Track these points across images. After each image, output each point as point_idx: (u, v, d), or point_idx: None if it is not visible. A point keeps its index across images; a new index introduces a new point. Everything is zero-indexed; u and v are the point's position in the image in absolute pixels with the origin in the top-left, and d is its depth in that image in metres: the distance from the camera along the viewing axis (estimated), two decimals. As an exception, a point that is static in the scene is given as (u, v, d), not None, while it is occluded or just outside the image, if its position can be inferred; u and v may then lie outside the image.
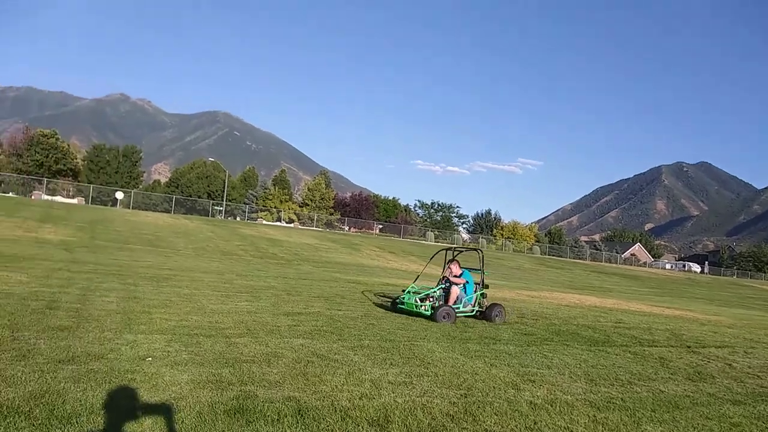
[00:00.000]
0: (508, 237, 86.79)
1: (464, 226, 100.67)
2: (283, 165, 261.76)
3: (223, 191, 74.83)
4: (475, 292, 10.98)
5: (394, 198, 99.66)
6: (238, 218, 74.92)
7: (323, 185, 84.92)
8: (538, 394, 5.44)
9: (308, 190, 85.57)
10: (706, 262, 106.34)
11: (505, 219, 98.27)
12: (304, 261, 29.81)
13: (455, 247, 13.44)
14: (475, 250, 12.87)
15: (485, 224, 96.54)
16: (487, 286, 11.39)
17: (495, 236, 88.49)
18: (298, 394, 4.58)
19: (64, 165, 72.50)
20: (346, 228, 76.86)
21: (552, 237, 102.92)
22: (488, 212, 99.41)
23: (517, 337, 9.02)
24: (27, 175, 65.97)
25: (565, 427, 4.48)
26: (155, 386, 4.42)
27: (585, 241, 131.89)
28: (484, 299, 11.13)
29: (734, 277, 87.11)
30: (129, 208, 56.74)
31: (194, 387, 4.47)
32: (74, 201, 60.34)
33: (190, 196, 75.44)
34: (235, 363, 5.40)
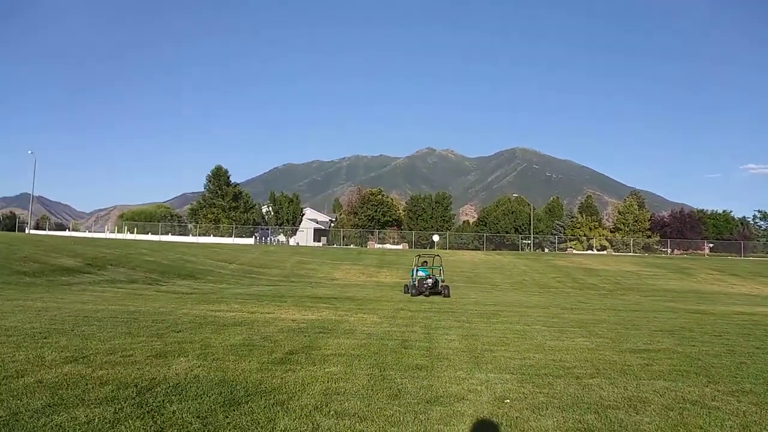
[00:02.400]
0: None
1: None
2: (587, 191, 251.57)
3: (530, 224, 75.14)
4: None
5: (725, 211, 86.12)
6: (546, 249, 74.08)
7: (635, 206, 78.41)
8: None
9: (618, 213, 80.00)
10: None
11: None
12: (628, 290, 27.49)
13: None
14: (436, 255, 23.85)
15: None
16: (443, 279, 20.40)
17: None
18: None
19: (390, 216, 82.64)
20: (669, 250, 69.02)
21: None
22: None
23: None
24: (362, 228, 77.04)
25: None
26: None
27: None
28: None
29: None
30: (446, 248, 61.21)
31: (562, 434, 4.20)
32: (400, 247, 67.87)
33: (498, 232, 77.77)
34: (598, 408, 4.96)
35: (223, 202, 71.00)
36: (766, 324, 12.32)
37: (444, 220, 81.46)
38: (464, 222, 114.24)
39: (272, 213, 76.93)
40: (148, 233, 67.53)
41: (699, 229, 75.33)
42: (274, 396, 5.06)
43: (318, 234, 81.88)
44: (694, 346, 8.87)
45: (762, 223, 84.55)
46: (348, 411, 4.70)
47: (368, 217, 79.75)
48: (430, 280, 19.12)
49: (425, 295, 18.47)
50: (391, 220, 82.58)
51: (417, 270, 20.36)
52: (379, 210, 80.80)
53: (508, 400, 5.16)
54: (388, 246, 70.20)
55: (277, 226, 74.70)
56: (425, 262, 21.96)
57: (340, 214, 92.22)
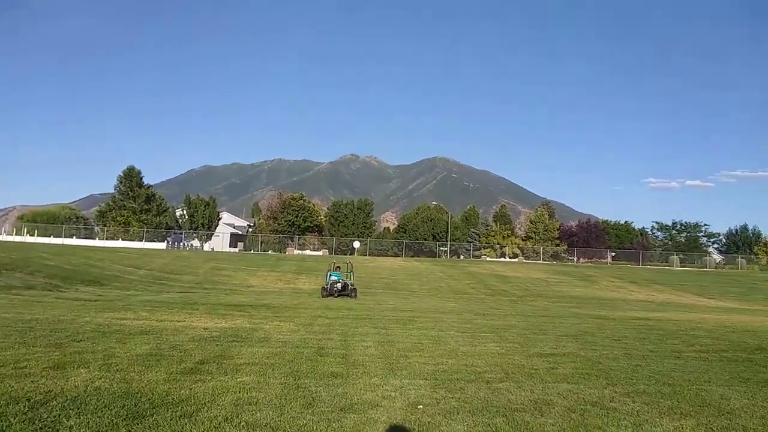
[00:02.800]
0: (775, 254, 73.54)
1: (715, 245, 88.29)
2: (502, 200, 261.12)
3: (447, 232, 76.96)
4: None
5: (626, 222, 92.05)
6: (462, 257, 76.13)
7: (546, 216, 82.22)
8: None
9: (530, 222, 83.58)
10: None
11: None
12: (537, 296, 28.75)
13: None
14: (347, 262, 26.90)
15: (742, 242, 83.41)
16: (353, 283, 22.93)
17: (757, 254, 75.79)
18: (585, 450, 4.12)
19: (311, 222, 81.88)
20: (575, 259, 72.90)
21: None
22: (744, 228, 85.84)
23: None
24: (282, 234, 75.87)
25: None
26: (432, 436, 4.37)
27: None
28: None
29: None
30: (365, 255, 61.49)
31: (471, 438, 4.32)
32: (320, 253, 67.46)
33: (417, 239, 79.05)
34: (505, 411, 5.14)
35: (135, 204, 67.62)
36: (660, 328, 13.27)
37: (365, 226, 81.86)
38: (385, 229, 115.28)
39: (186, 217, 74.20)
40: (50, 236, 63.11)
41: (603, 238, 79.95)
42: (182, 407, 4.86)
43: (235, 239, 79.78)
44: (595, 350, 9.40)
45: (659, 233, 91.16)
46: (260, 421, 4.60)
47: (288, 222, 78.70)
48: (339, 284, 21.85)
49: (334, 296, 21.29)
50: (312, 225, 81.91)
51: (330, 274, 22.91)
52: (300, 215, 79.93)
53: (421, 406, 5.24)
54: (308, 252, 69.57)
55: (191, 231, 72.14)
56: (338, 267, 24.50)
57: (259, 219, 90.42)
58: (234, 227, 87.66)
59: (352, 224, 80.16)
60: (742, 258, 72.83)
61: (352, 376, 6.49)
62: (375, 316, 14.01)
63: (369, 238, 74.96)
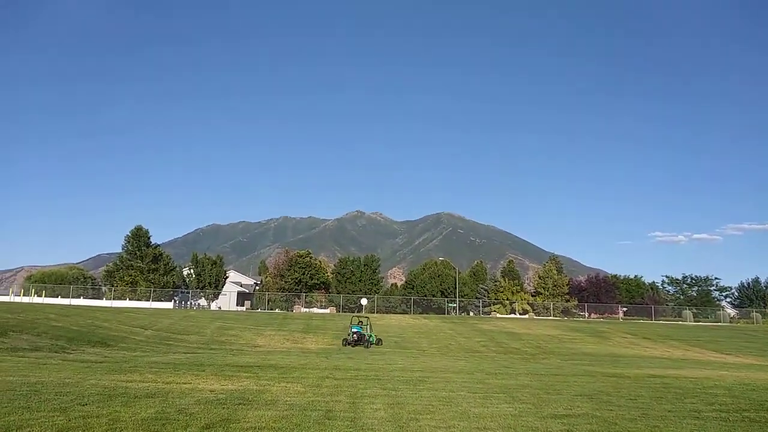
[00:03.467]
0: (790, 308, 72.19)
1: (728, 299, 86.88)
2: (509, 255, 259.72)
3: (455, 288, 76.33)
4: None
5: (636, 276, 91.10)
6: (471, 313, 75.22)
7: (554, 271, 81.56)
8: None
9: (539, 278, 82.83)
10: None
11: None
12: (550, 354, 28.18)
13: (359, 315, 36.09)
14: (366, 317, 32.34)
15: (755, 295, 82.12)
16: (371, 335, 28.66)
17: (771, 308, 74.46)
18: None
19: (318, 279, 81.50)
20: (586, 314, 71.79)
21: None
22: (756, 281, 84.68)
23: None
24: (289, 292, 75.47)
25: None
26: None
27: None
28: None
29: None
30: (374, 312, 60.86)
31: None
32: (327, 311, 66.84)
33: (425, 295, 78.38)
34: (521, 478, 4.97)
35: (142, 263, 67.79)
36: (677, 387, 12.92)
37: (372, 282, 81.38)
38: (392, 285, 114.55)
39: (194, 276, 74.13)
40: (58, 296, 63.08)
41: (613, 293, 78.95)
42: (188, 476, 4.73)
43: (242, 298, 79.37)
44: (611, 410, 9.15)
45: (670, 288, 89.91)
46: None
47: (295, 280, 78.39)
48: (355, 335, 27.55)
49: (351, 346, 26.98)
50: (318, 282, 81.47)
51: (352, 327, 28.41)
52: (306, 272, 79.66)
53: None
54: (315, 310, 68.97)
55: (198, 290, 71.93)
56: (360, 321, 30.13)
57: (266, 277, 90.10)
58: (241, 285, 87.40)
59: (359, 281, 79.75)
60: (756, 312, 71.50)
61: (361, 441, 6.32)
62: (384, 377, 13.75)
63: (377, 295, 74.39)
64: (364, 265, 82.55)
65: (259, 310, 66.90)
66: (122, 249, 70.64)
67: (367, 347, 26.49)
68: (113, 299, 61.81)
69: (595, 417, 8.41)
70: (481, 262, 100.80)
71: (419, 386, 11.82)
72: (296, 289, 76.79)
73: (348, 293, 74.74)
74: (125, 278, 66.89)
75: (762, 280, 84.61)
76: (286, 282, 78.30)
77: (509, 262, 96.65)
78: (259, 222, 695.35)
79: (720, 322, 65.67)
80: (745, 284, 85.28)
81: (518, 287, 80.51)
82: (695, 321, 65.78)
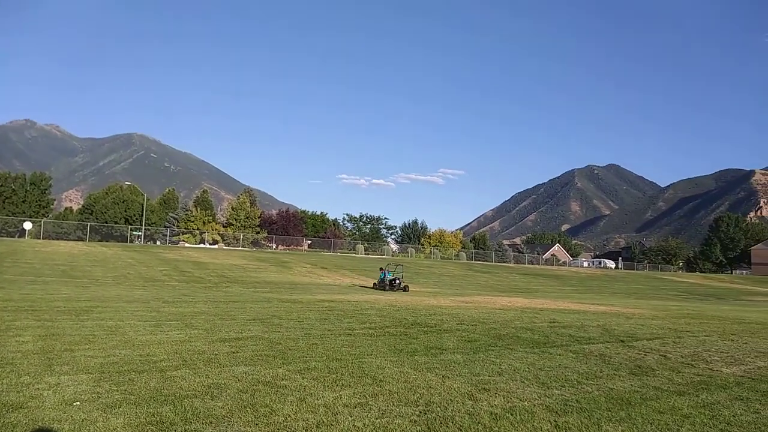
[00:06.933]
0: (436, 245, 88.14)
1: (393, 237, 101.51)
2: (205, 185, 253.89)
3: (142, 215, 71.58)
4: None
5: (322, 213, 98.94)
6: (158, 243, 71.75)
7: (248, 204, 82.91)
8: (496, 402, 5.36)
9: (232, 209, 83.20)
10: (620, 258, 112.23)
11: (432, 228, 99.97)
12: (233, 283, 28.83)
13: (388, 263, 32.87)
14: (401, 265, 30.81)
15: (413, 234, 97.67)
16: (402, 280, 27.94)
17: (423, 245, 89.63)
18: (250, 429, 4.25)
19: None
20: (274, 246, 75.37)
21: (477, 242, 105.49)
22: (415, 222, 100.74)
23: (462, 345, 8.99)
24: None
25: (528, 435, 4.41)
26: (87, 434, 3.96)
27: (507, 245, 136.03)
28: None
29: (646, 270, 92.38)
30: (39, 238, 53.05)
31: (133, 431, 4.05)
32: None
33: (106, 222, 71.57)
34: (175, 399, 4.97)
35: None
36: (340, 309, 14.58)
37: (41, 205, 70.47)
38: (67, 209, 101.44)
39: None
40: None
41: (301, 227, 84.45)
42: None
43: None
44: (279, 332, 9.83)
45: (349, 224, 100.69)
46: None
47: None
48: (388, 278, 27.99)
49: (384, 289, 26.81)
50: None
51: (385, 273, 28.38)
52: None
53: (78, 403, 4.72)
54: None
55: None
56: (389, 265, 31.26)
57: None
58: None
59: (23, 202, 68.35)
60: (412, 248, 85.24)
61: (-7, 378, 5.49)
62: (41, 307, 12.20)
63: (45, 219, 64.88)
64: (31, 184, 70.92)
65: None
66: None
67: (405, 290, 26.87)
68: None
69: (262, 339, 8.93)
70: (174, 189, 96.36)
71: (83, 316, 10.82)
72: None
73: (7, 215, 63.46)
74: None
75: (419, 221, 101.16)
76: None
77: (204, 191, 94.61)
78: None
79: (384, 255, 76.31)
80: (407, 224, 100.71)
81: (210, 217, 79.70)
82: (366, 254, 75.14)
